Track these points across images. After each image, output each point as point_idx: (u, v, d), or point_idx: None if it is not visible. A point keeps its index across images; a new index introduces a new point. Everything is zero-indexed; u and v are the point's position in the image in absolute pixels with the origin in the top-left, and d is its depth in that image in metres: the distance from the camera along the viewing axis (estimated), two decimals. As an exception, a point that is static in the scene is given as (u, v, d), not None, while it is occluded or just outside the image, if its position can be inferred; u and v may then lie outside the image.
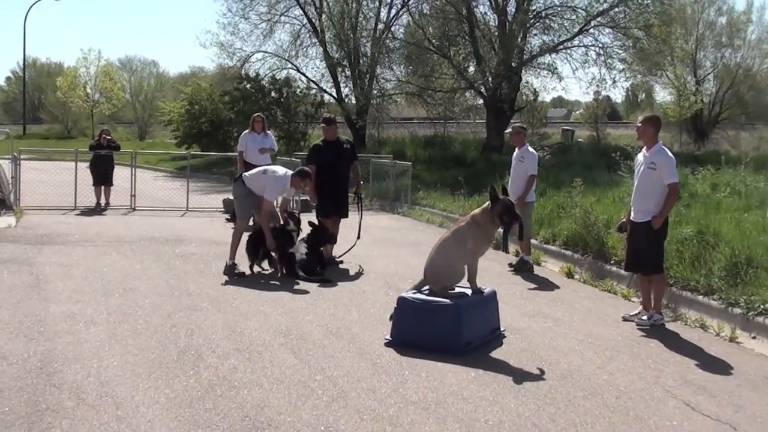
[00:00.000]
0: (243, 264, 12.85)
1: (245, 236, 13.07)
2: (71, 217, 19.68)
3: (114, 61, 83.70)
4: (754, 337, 9.75)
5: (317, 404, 6.89)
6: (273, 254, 12.96)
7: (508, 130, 15.18)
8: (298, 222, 13.59)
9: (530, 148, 14.40)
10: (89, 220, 19.21)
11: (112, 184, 22.17)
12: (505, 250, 15.46)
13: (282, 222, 13.24)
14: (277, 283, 12.29)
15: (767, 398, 7.61)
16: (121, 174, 22.66)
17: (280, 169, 13.40)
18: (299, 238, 13.20)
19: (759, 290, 10.23)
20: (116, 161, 22.97)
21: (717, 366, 8.58)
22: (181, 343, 8.63)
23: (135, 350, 8.28)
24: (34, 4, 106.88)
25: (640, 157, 10.56)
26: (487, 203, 9.35)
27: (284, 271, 12.70)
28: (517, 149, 14.38)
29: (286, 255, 12.78)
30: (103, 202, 21.87)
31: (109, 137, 22.79)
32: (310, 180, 13.04)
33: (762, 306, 9.93)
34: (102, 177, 21.95)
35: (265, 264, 13.17)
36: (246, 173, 13.38)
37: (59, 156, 31.48)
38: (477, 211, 9.48)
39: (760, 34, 45.86)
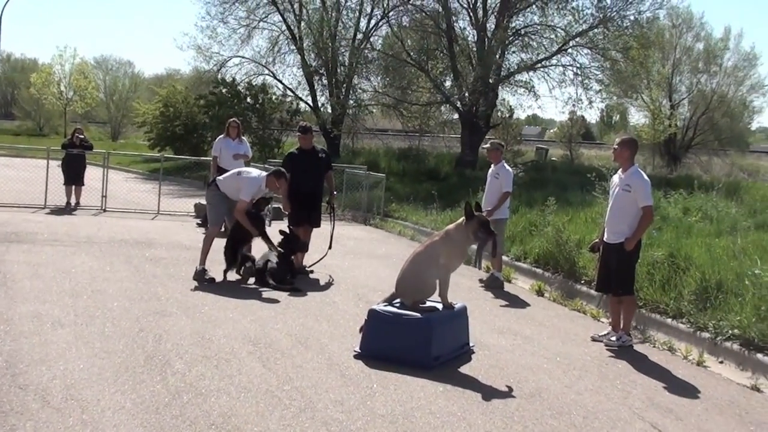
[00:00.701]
0: (213, 269, 12.77)
1: (223, 242, 12.98)
2: (41, 215, 19.56)
3: (89, 59, 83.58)
4: (721, 362, 9.81)
5: (284, 414, 6.84)
6: (246, 264, 12.88)
7: (486, 145, 15.21)
8: (268, 201, 13.51)
9: (506, 166, 14.46)
10: (59, 219, 19.08)
11: (83, 184, 22.07)
12: (478, 265, 15.46)
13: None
14: (246, 290, 12.22)
15: (733, 422, 7.64)
16: (92, 174, 22.58)
17: (254, 171, 13.37)
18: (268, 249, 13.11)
19: (727, 315, 10.27)
20: (88, 161, 22.90)
21: (684, 389, 8.61)
22: (149, 348, 8.56)
23: (102, 353, 8.20)
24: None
25: (615, 178, 10.60)
26: (462, 219, 9.36)
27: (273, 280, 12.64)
28: (492, 165, 14.44)
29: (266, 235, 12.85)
30: (73, 201, 21.76)
31: (82, 136, 22.69)
32: (286, 180, 12.94)
33: (730, 331, 9.98)
34: (73, 176, 21.85)
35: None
36: (219, 177, 13.33)
37: (30, 153, 31.43)
38: (451, 226, 9.49)
39: (737, 61, 46.24)
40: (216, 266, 12.92)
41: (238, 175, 12.98)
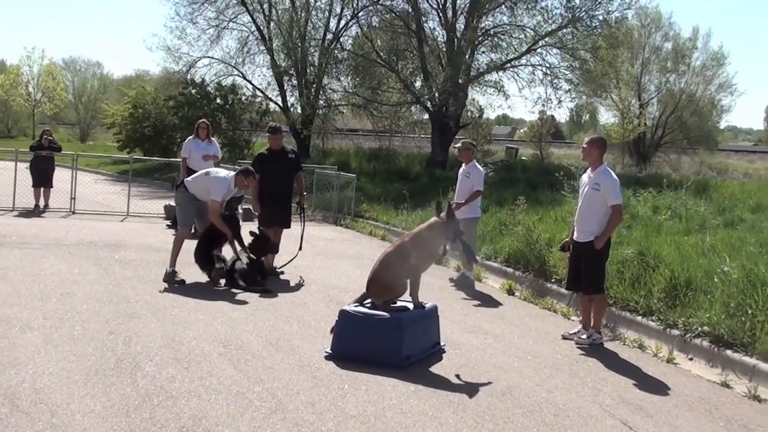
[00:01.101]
0: (183, 271, 12.72)
1: (193, 244, 12.93)
2: (9, 218, 19.44)
3: (58, 60, 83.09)
4: (691, 359, 9.86)
5: (255, 416, 6.83)
6: (217, 265, 12.82)
7: (458, 145, 15.24)
8: (240, 200, 13.46)
9: (477, 165, 14.53)
10: (27, 221, 18.96)
11: (51, 186, 21.93)
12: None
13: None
14: (216, 292, 12.18)
15: (703, 419, 7.69)
16: (61, 176, 22.44)
17: (222, 171, 13.32)
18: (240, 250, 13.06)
19: (697, 312, 10.32)
20: (57, 163, 22.75)
21: (654, 386, 8.66)
22: (119, 350, 8.51)
23: (71, 357, 8.16)
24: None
25: (584, 177, 10.66)
26: (433, 219, 9.41)
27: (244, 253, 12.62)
28: (464, 165, 14.49)
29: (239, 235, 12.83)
30: (42, 204, 21.62)
31: (50, 138, 22.54)
32: (254, 178, 12.93)
33: (699, 328, 10.03)
34: (42, 178, 21.71)
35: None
36: (188, 178, 13.29)
37: (-2, 155, 31.12)
38: (423, 226, 9.51)
39: (705, 60, 46.45)
40: (186, 268, 12.89)
41: (207, 176, 12.93)
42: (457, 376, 8.47)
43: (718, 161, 47.55)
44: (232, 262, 12.68)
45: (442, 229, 9.31)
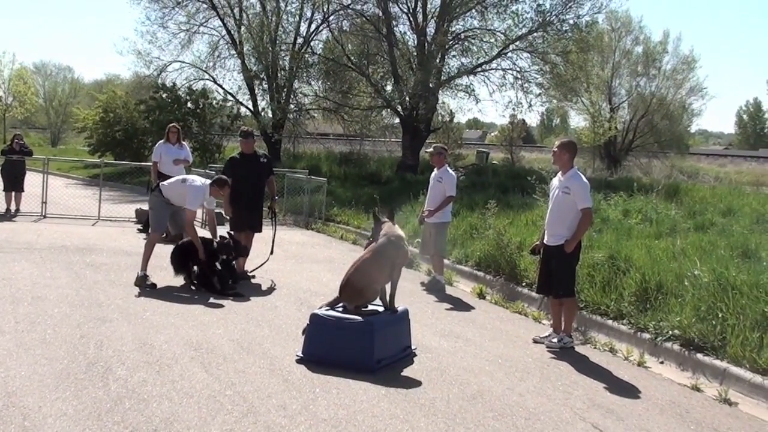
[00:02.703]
0: (155, 275, 12.72)
1: (165, 248, 12.92)
2: (-21, 222, 19.34)
3: (28, 64, 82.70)
4: (661, 362, 9.93)
5: (227, 419, 6.85)
6: (194, 267, 12.82)
7: (430, 149, 15.28)
8: (228, 249, 13.36)
9: (449, 170, 14.56)
10: (-2, 226, 18.88)
11: (23, 190, 21.85)
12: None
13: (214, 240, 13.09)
14: (188, 295, 12.18)
15: (674, 422, 7.76)
16: (32, 180, 22.33)
17: (198, 179, 13.34)
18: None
19: (668, 316, 10.39)
20: (28, 167, 22.69)
21: (625, 390, 8.73)
22: (91, 354, 8.52)
23: (43, 360, 8.16)
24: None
25: (555, 181, 10.72)
26: (390, 223, 9.59)
27: (215, 285, 12.58)
28: (436, 169, 14.51)
29: (214, 269, 12.71)
30: (13, 208, 21.53)
31: (21, 142, 22.47)
32: (228, 188, 12.98)
33: (670, 332, 10.09)
34: (13, 183, 21.63)
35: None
36: (164, 183, 13.28)
37: (-32, 160, 30.94)
38: (395, 228, 9.59)
39: (675, 64, 46.87)
40: (158, 272, 12.90)
41: (183, 183, 12.96)
42: (428, 379, 8.51)
43: (689, 165, 47.95)
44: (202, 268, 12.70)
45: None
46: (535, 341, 10.58)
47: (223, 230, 13.87)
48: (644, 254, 12.98)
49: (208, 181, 13.06)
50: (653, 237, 15.00)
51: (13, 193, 21.65)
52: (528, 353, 10.01)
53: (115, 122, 40.17)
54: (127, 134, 39.66)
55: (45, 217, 21.16)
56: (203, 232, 13.60)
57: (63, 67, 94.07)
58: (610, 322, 11.19)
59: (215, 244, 12.91)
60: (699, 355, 9.60)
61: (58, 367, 7.95)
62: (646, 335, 10.43)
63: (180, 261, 12.79)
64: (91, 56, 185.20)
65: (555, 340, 10.44)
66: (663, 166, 46.51)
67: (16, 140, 22.50)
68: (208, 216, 13.54)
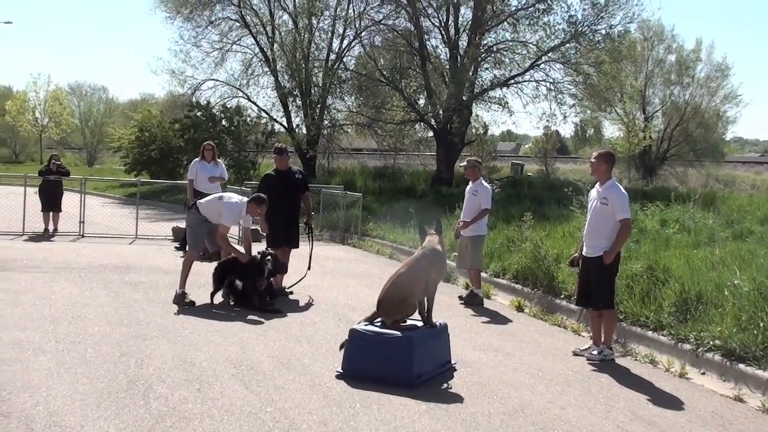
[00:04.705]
0: (193, 293, 12.76)
1: (203, 266, 12.95)
2: (19, 242, 19.52)
3: (64, 86, 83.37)
4: (703, 373, 9.82)
5: (268, 436, 6.86)
6: (237, 283, 12.84)
7: (464, 163, 15.24)
8: (273, 262, 13.30)
9: (484, 183, 14.51)
10: (37, 246, 19.03)
11: (60, 210, 21.99)
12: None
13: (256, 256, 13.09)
14: (226, 313, 12.20)
15: (715, 434, 7.68)
16: (69, 200, 22.48)
17: (235, 196, 13.38)
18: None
19: (708, 326, 10.27)
20: (65, 187, 22.80)
21: (667, 401, 8.65)
22: (131, 372, 8.55)
23: (84, 379, 8.20)
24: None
25: (593, 192, 10.65)
26: (434, 236, 9.59)
27: (255, 303, 12.55)
28: (471, 183, 14.47)
29: (254, 287, 12.70)
30: (51, 228, 21.67)
31: (58, 163, 22.62)
32: (266, 206, 12.96)
33: (711, 342, 9.99)
34: (51, 203, 21.78)
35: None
36: (201, 201, 13.31)
37: (7, 180, 31.23)
38: (433, 241, 9.59)
39: (709, 72, 46.57)
40: (196, 290, 12.93)
41: (220, 200, 13.01)
42: (469, 394, 8.47)
43: (725, 173, 47.52)
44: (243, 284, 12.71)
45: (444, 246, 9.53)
46: (575, 354, 10.52)
47: (260, 247, 13.88)
48: (683, 264, 12.88)
49: (246, 199, 13.08)
50: (691, 247, 14.87)
51: (51, 213, 21.79)
52: (568, 366, 9.94)
53: (150, 141, 40.34)
54: (162, 153, 39.81)
55: (83, 236, 21.30)
56: (239, 249, 13.58)
57: (98, 87, 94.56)
58: (650, 333, 11.09)
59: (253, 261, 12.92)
60: (741, 366, 9.48)
61: (99, 386, 7.99)
62: (687, 346, 10.31)
63: (222, 278, 12.79)
64: (125, 76, 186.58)
65: (595, 352, 10.36)
66: (699, 174, 46.20)
67: (53, 161, 22.64)
68: (244, 234, 13.54)
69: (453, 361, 9.54)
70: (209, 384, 8.28)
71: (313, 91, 37.78)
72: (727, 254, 13.67)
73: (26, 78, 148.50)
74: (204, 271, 13.41)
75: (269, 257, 12.91)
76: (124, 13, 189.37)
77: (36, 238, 20.54)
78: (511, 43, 34.63)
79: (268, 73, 39.32)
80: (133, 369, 8.69)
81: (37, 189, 22.07)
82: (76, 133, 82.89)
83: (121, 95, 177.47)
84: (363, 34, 37.38)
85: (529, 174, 42.37)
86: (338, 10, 37.52)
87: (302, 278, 14.16)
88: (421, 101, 36.20)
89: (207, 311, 12.17)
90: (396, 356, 8.72)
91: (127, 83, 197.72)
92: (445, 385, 8.76)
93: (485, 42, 34.27)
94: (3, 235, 20.26)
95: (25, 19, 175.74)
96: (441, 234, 9.89)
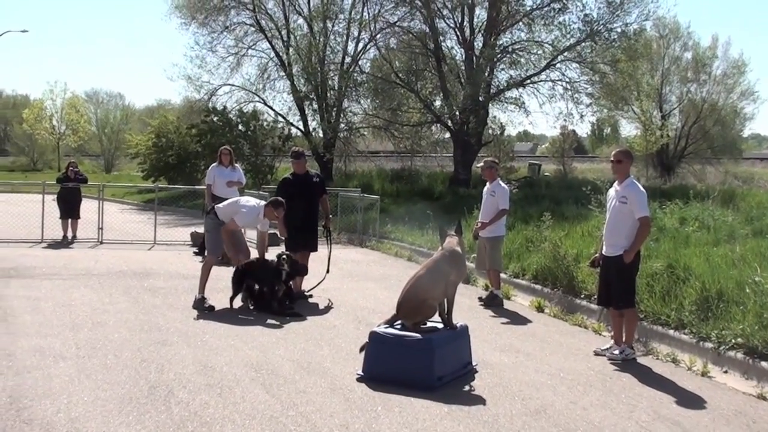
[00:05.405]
0: (212, 298, 12.77)
1: (222, 271, 12.96)
2: (38, 250, 19.58)
3: (80, 93, 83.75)
4: (725, 372, 9.75)
5: (290, 440, 6.84)
6: (255, 287, 12.84)
7: (481, 164, 15.22)
8: (290, 264, 13.30)
9: (502, 183, 14.50)
10: (56, 253, 19.08)
11: (79, 217, 22.08)
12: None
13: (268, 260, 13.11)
14: (246, 317, 12.20)
15: (740, 433, 7.62)
16: (88, 207, 22.57)
17: (253, 200, 13.41)
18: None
19: (730, 324, 10.20)
20: (83, 194, 22.90)
21: (690, 400, 8.60)
22: (152, 378, 8.55)
23: (105, 385, 8.20)
24: (1, 36, 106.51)
25: (611, 191, 10.60)
26: (455, 237, 9.56)
27: (274, 307, 12.56)
28: (488, 183, 14.44)
29: (272, 290, 12.69)
30: (70, 235, 21.75)
31: (76, 170, 22.72)
32: (284, 209, 12.95)
33: (733, 340, 9.92)
34: (69, 210, 21.87)
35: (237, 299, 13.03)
36: (219, 205, 13.32)
37: (26, 188, 31.36)
38: (452, 242, 9.56)
39: (725, 69, 46.29)
40: (215, 294, 12.95)
41: (237, 203, 13.04)
42: (490, 395, 8.44)
43: (743, 170, 47.22)
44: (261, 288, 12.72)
45: (463, 247, 9.50)
46: (597, 354, 10.46)
47: (279, 250, 13.87)
48: (703, 262, 12.81)
49: (263, 203, 13.08)
50: (711, 244, 14.77)
51: (70, 221, 21.87)
52: (590, 366, 9.90)
53: (167, 147, 40.51)
54: (179, 158, 39.96)
55: (102, 243, 21.37)
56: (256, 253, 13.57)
57: (114, 94, 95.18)
58: (671, 332, 11.03)
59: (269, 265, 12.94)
60: (764, 363, 9.42)
61: (120, 392, 7.99)
62: (709, 344, 10.24)
63: (241, 282, 12.79)
64: (141, 83, 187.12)
65: (616, 352, 10.30)
66: (717, 172, 45.91)
67: (71, 168, 22.75)
68: (259, 237, 13.50)
69: (474, 363, 9.51)
70: (230, 389, 8.28)
71: (329, 94, 37.85)
72: (747, 251, 13.57)
73: (43, 86, 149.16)
74: (223, 276, 13.43)
75: (285, 257, 12.94)
76: (140, 20, 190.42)
77: (55, 245, 20.62)
78: (526, 43, 34.51)
79: (284, 77, 39.45)
80: (153, 375, 8.69)
81: (55, 196, 22.15)
82: (93, 140, 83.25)
83: (138, 102, 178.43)
84: (378, 36, 37.41)
85: (546, 174, 42.25)
86: (353, 13, 37.73)
87: (321, 281, 14.15)
88: (437, 103, 36.14)
89: (227, 316, 12.17)
90: (416, 358, 8.69)
91: (143, 90, 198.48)
92: (467, 387, 8.74)
93: (501, 42, 34.17)
94: (22, 243, 20.35)
95: (41, 27, 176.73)
96: (461, 235, 9.88)
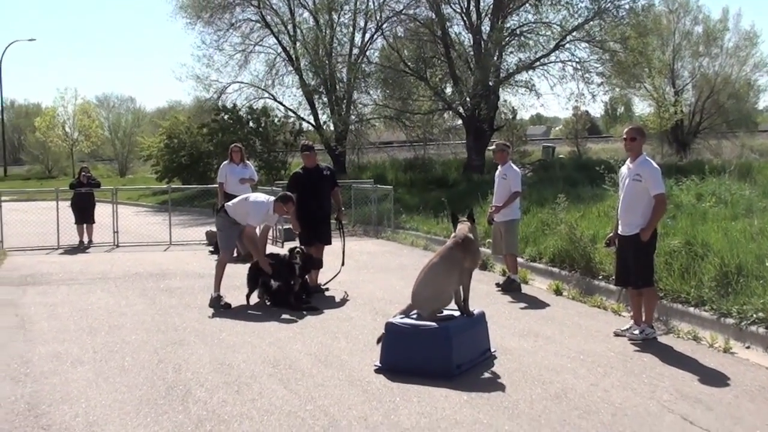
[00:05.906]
0: (228, 295, 12.76)
1: (236, 268, 12.94)
2: (54, 256, 19.62)
3: (91, 98, 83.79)
4: (748, 347, 9.65)
5: (309, 435, 6.80)
6: (271, 283, 12.80)
7: (492, 147, 15.17)
8: (302, 257, 13.29)
9: (513, 166, 14.43)
10: (72, 258, 19.12)
11: (94, 222, 22.12)
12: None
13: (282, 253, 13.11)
14: (262, 313, 12.17)
15: (765, 409, 7.54)
16: (102, 211, 22.61)
17: (262, 196, 13.39)
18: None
19: (751, 299, 10.11)
20: (97, 198, 22.98)
21: (712, 378, 8.51)
22: (169, 378, 8.53)
23: (123, 388, 8.18)
24: (9, 45, 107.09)
25: (624, 169, 10.47)
26: (467, 224, 9.50)
27: (291, 302, 12.52)
28: (500, 167, 14.38)
29: (288, 285, 12.67)
30: (85, 240, 21.79)
31: (88, 175, 22.73)
32: (293, 204, 12.91)
33: (755, 315, 9.83)
34: (83, 215, 21.92)
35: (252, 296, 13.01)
36: (228, 203, 13.30)
37: (40, 196, 31.42)
38: (464, 229, 9.48)
39: (737, 41, 45.95)
40: (230, 292, 12.94)
41: (246, 201, 13.02)
42: (510, 381, 8.38)
43: (760, 143, 46.97)
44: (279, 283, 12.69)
45: (476, 233, 9.45)
46: (617, 334, 10.38)
47: (294, 245, 13.83)
48: (721, 237, 12.69)
49: (272, 198, 13.04)
50: (729, 219, 14.64)
51: (85, 226, 21.91)
52: (610, 347, 9.81)
53: (179, 147, 40.53)
54: (192, 158, 39.97)
55: (117, 246, 21.40)
56: (275, 249, 13.54)
57: (125, 98, 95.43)
58: (691, 309, 10.94)
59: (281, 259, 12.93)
60: (787, 336, 9.34)
61: (138, 394, 7.97)
62: (730, 320, 10.15)
63: (256, 278, 12.78)
64: (152, 85, 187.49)
65: (637, 332, 10.21)
66: (733, 146, 45.63)
67: (83, 173, 22.78)
68: (261, 232, 13.42)
69: (493, 349, 9.45)
70: (248, 385, 8.25)
71: (338, 87, 37.82)
72: (766, 224, 13.46)
73: (53, 93, 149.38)
74: (239, 273, 13.40)
75: (298, 251, 12.92)
76: (147, 23, 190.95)
77: (71, 250, 20.67)
78: (534, 25, 34.38)
79: (292, 72, 39.37)
80: (171, 375, 8.67)
81: (70, 202, 22.19)
82: (106, 144, 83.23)
83: (149, 104, 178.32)
84: (384, 25, 37.35)
85: (560, 156, 42.03)
86: (358, 3, 37.57)
87: (337, 274, 14.10)
88: (448, 89, 36.07)
89: (243, 313, 12.16)
90: (434, 347, 8.64)
91: (153, 92, 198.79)
92: (486, 374, 8.68)
93: (508, 25, 34.03)
94: (39, 250, 20.38)
95: (49, 35, 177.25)
96: (474, 221, 9.81)
